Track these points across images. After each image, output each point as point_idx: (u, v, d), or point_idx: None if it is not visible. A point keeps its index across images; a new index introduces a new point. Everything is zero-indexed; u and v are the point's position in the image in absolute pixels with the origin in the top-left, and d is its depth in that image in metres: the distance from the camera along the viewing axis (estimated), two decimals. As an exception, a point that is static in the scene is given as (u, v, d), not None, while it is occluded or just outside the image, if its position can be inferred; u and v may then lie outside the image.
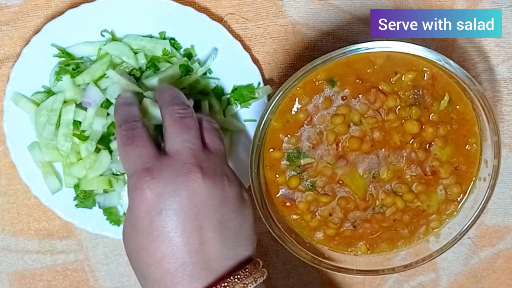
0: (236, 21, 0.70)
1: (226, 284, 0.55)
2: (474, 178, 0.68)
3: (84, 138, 0.67)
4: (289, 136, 0.66)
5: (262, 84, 0.69)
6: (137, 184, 0.55)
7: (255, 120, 0.70)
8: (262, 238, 0.75)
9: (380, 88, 0.65)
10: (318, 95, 0.64)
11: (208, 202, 0.55)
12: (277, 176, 0.67)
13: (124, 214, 0.70)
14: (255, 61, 0.70)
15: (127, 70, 0.68)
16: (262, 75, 0.70)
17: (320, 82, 0.64)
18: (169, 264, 0.55)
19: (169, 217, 0.54)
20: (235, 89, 0.69)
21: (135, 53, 0.68)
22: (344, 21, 0.71)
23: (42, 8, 0.70)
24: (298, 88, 0.64)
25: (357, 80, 0.65)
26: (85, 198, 0.69)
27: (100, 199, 0.69)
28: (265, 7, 0.70)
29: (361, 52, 0.61)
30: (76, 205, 0.70)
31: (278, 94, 0.62)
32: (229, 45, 0.68)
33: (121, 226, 0.70)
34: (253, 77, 0.69)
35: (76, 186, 0.69)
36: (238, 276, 0.56)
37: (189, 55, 0.69)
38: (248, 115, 0.70)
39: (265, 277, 0.58)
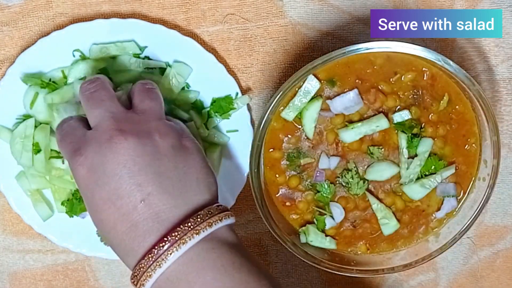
0: (236, 21, 0.71)
1: (176, 233, 0.54)
2: (473, 178, 0.68)
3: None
4: (289, 136, 0.66)
5: (240, 94, 0.70)
6: (72, 166, 0.57)
7: (237, 131, 0.70)
8: (262, 238, 0.75)
9: (380, 88, 0.65)
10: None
11: (138, 159, 0.56)
12: (277, 176, 0.67)
13: None
14: (231, 72, 0.70)
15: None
16: (239, 84, 0.70)
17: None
18: (122, 226, 0.56)
19: (105, 184, 0.56)
20: (214, 101, 0.70)
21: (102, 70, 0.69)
22: (344, 21, 0.71)
23: (42, 9, 0.70)
24: (297, 89, 0.64)
25: (357, 80, 0.65)
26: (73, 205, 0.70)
27: None
28: (265, 8, 0.71)
29: (361, 52, 0.62)
30: (66, 212, 0.70)
31: (278, 94, 0.62)
32: (203, 58, 0.68)
33: None
34: (230, 87, 0.69)
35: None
36: (189, 224, 0.55)
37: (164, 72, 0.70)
38: (229, 126, 0.70)
39: (226, 222, 0.57)
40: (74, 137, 0.59)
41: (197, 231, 0.55)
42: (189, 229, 0.55)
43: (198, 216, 0.56)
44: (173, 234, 0.54)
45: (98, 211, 0.57)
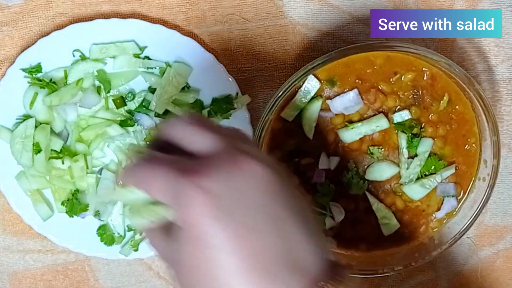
0: (236, 21, 0.71)
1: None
2: (473, 178, 0.68)
3: (72, 154, 0.69)
4: (289, 136, 0.66)
5: (240, 94, 0.70)
6: (182, 189, 0.43)
7: None
8: (262, 238, 0.75)
9: (380, 88, 0.65)
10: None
11: (271, 188, 0.44)
12: (277, 176, 0.67)
13: (119, 234, 0.71)
14: (231, 72, 0.70)
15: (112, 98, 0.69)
16: (239, 84, 0.70)
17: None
18: (250, 274, 0.42)
19: (234, 215, 0.43)
20: (214, 101, 0.70)
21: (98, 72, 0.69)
22: (344, 22, 0.71)
23: (42, 9, 0.70)
24: (297, 89, 0.64)
25: (357, 80, 0.65)
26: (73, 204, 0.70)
27: (99, 207, 0.70)
28: (265, 8, 0.71)
29: (361, 52, 0.62)
30: (66, 212, 0.70)
31: (278, 94, 0.62)
32: (203, 58, 0.68)
33: (115, 245, 0.71)
34: (230, 87, 0.69)
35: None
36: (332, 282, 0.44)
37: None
38: (229, 126, 0.70)
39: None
40: (173, 162, 0.45)
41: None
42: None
43: (337, 274, 0.45)
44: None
45: (222, 250, 0.43)
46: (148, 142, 0.52)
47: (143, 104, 0.69)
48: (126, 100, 0.69)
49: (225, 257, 0.42)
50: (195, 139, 0.46)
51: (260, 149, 0.51)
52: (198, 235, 0.42)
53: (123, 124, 0.69)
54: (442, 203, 0.68)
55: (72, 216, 0.70)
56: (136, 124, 0.69)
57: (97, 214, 0.70)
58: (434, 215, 0.69)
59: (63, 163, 0.69)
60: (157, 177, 0.44)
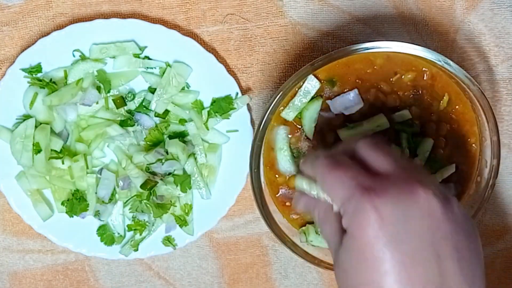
0: (236, 21, 0.71)
1: None
2: (473, 178, 0.68)
3: (72, 154, 0.69)
4: (289, 136, 0.66)
5: (240, 94, 0.70)
6: (359, 206, 0.47)
7: (237, 131, 0.70)
8: (262, 238, 0.75)
9: (380, 88, 0.65)
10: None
11: (442, 224, 0.47)
12: (277, 176, 0.67)
13: (119, 234, 0.71)
14: (231, 72, 0.70)
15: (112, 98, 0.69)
16: (239, 84, 0.71)
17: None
18: None
19: (404, 242, 0.46)
20: (214, 101, 0.70)
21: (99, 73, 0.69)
22: (344, 21, 0.71)
23: (42, 9, 0.70)
24: (297, 89, 0.64)
25: (357, 80, 0.65)
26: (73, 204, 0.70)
27: (99, 207, 0.70)
28: (265, 8, 0.71)
29: (361, 52, 0.62)
30: (66, 212, 0.70)
31: (278, 94, 0.62)
32: (203, 58, 0.68)
33: (114, 245, 0.71)
34: (230, 87, 0.69)
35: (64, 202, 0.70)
36: None
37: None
38: (229, 126, 0.71)
39: None
40: (357, 172, 0.50)
41: None
42: None
43: None
44: None
45: (380, 272, 0.46)
46: (337, 148, 0.56)
47: (143, 104, 0.69)
48: (126, 100, 0.69)
49: (385, 282, 0.45)
50: (376, 161, 0.50)
51: (435, 181, 0.53)
52: (362, 251, 0.47)
53: (123, 124, 0.69)
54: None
55: (72, 216, 0.70)
56: (136, 124, 0.69)
57: (97, 214, 0.70)
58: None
59: (63, 163, 0.69)
60: (340, 181, 0.49)
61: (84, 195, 0.70)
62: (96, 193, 0.69)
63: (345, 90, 0.65)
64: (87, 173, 0.70)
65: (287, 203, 0.67)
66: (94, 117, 0.69)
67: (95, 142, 0.69)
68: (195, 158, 0.70)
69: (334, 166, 0.50)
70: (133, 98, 0.69)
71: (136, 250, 0.71)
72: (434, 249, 0.46)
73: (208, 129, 0.70)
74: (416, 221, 0.46)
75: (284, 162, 0.66)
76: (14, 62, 0.68)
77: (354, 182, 0.48)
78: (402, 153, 0.55)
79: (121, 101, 0.69)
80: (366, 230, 0.46)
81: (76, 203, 0.69)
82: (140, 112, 0.69)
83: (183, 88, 0.69)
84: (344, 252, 0.49)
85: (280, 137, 0.65)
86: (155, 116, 0.69)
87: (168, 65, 0.69)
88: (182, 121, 0.70)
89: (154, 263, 0.75)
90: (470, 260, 0.47)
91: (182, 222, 0.70)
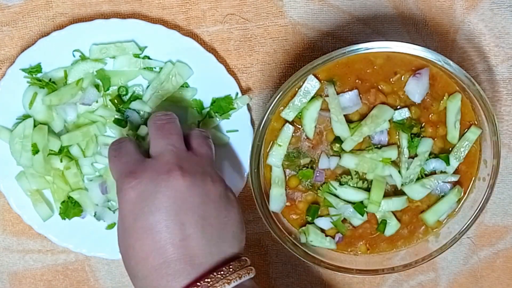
0: (236, 21, 0.71)
1: (209, 279, 0.55)
2: (473, 178, 0.68)
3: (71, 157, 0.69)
4: (292, 135, 0.66)
5: (240, 94, 0.70)
6: (122, 186, 0.58)
7: (237, 131, 0.70)
8: (262, 238, 0.75)
9: (380, 88, 0.65)
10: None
11: (189, 199, 0.57)
12: (277, 176, 0.67)
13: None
14: (231, 72, 0.70)
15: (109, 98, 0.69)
16: (239, 84, 0.70)
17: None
18: (154, 260, 0.56)
19: (151, 213, 0.56)
20: (214, 102, 0.70)
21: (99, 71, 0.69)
22: (343, 21, 0.71)
23: (42, 9, 0.70)
24: (297, 89, 0.64)
25: (357, 80, 0.65)
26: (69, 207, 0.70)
27: (97, 209, 0.70)
28: (265, 8, 0.71)
29: (361, 52, 0.62)
30: (59, 213, 0.70)
31: (278, 94, 0.62)
32: (203, 58, 0.68)
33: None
34: (230, 87, 0.69)
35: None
36: (222, 272, 0.56)
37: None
38: (229, 126, 0.71)
39: (251, 275, 0.59)
40: (130, 158, 0.60)
41: (228, 281, 0.56)
42: (221, 277, 0.56)
43: (230, 267, 0.57)
44: (206, 280, 0.55)
45: (134, 238, 0.57)
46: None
47: (135, 94, 0.69)
48: (122, 95, 0.69)
49: (136, 245, 0.57)
50: (156, 142, 0.61)
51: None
52: (124, 222, 0.58)
53: (116, 122, 0.69)
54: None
55: (65, 219, 0.70)
56: (127, 120, 0.69)
57: (96, 215, 0.70)
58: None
59: (61, 161, 0.69)
60: (114, 167, 0.61)
61: (78, 199, 0.70)
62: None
63: (345, 90, 0.65)
64: (82, 179, 0.70)
65: (287, 203, 0.67)
66: (92, 114, 0.69)
67: (88, 147, 0.69)
68: None
69: (114, 152, 0.61)
70: (126, 93, 0.69)
71: None
72: (179, 218, 0.56)
73: (199, 127, 0.70)
74: (164, 196, 0.56)
75: (276, 157, 0.65)
76: (14, 62, 0.68)
77: (124, 166, 0.59)
78: (197, 133, 0.64)
79: (118, 100, 0.69)
80: (124, 205, 0.57)
81: (70, 206, 0.70)
82: (130, 108, 0.69)
83: (181, 86, 0.69)
84: (117, 224, 0.59)
85: (285, 134, 0.65)
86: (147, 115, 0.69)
87: (172, 62, 0.69)
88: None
89: (154, 263, 0.75)
90: (218, 226, 0.58)
91: None
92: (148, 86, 0.69)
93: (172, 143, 0.60)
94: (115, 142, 0.63)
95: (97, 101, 0.69)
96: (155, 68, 0.69)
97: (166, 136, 0.60)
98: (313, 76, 0.63)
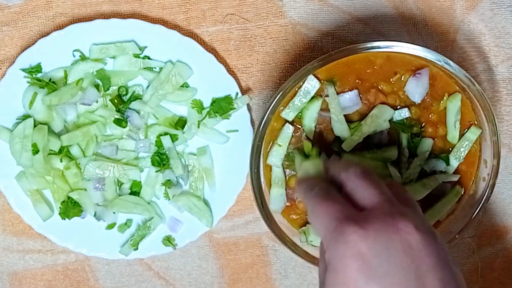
0: (236, 21, 0.71)
1: None
2: (473, 178, 0.68)
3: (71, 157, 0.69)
4: (292, 135, 0.66)
5: (240, 94, 0.70)
6: (343, 238, 0.47)
7: (237, 131, 0.70)
8: (262, 238, 0.75)
9: (380, 88, 0.65)
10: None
11: (426, 258, 0.47)
12: (277, 176, 0.67)
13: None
14: (231, 72, 0.70)
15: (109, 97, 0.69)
16: (239, 84, 0.71)
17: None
18: None
19: (388, 275, 0.46)
20: (214, 102, 0.70)
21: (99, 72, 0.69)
22: (344, 21, 0.71)
23: (42, 9, 0.70)
24: (297, 89, 0.64)
25: (357, 80, 0.65)
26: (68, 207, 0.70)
27: (97, 209, 0.70)
28: (265, 8, 0.71)
29: (361, 52, 0.62)
30: (59, 213, 0.70)
31: (278, 94, 0.62)
32: (203, 58, 0.68)
33: (114, 245, 0.72)
34: (230, 87, 0.69)
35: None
36: None
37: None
38: (229, 126, 0.71)
39: None
40: (344, 205, 0.50)
41: None
42: None
43: None
44: None
45: None
46: (326, 164, 0.57)
47: (135, 94, 0.69)
48: (122, 95, 0.69)
49: None
50: (363, 193, 0.50)
51: (417, 212, 0.52)
52: (346, 285, 0.46)
53: (116, 122, 0.69)
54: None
55: (65, 219, 0.70)
56: (128, 121, 0.69)
57: (96, 215, 0.70)
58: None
59: (61, 161, 0.69)
60: (326, 213, 0.49)
61: (78, 200, 0.70)
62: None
63: (345, 90, 0.65)
64: (82, 178, 0.70)
65: (287, 203, 0.67)
66: (92, 114, 0.69)
67: (88, 147, 0.69)
68: (187, 169, 0.71)
69: (323, 198, 0.51)
70: (127, 93, 0.69)
71: (136, 249, 0.71)
72: (420, 282, 0.46)
73: (198, 127, 0.70)
74: (399, 254, 0.46)
75: (275, 157, 0.65)
76: (14, 62, 0.68)
77: (339, 214, 0.48)
78: (393, 182, 0.56)
79: (118, 100, 0.69)
80: (348, 262, 0.46)
81: (70, 206, 0.70)
82: (130, 108, 0.69)
83: (181, 86, 0.69)
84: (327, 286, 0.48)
85: (285, 134, 0.65)
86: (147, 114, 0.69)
87: (172, 62, 0.69)
88: (171, 125, 0.70)
89: (154, 263, 0.75)
90: None
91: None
92: (148, 86, 0.69)
93: (383, 191, 0.50)
94: (316, 188, 0.53)
95: (97, 101, 0.69)
96: (155, 68, 0.69)
97: (376, 184, 0.51)
98: (313, 76, 0.63)
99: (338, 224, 0.48)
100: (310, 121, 0.65)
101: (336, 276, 0.47)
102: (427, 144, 0.65)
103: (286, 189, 0.67)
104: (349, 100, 0.64)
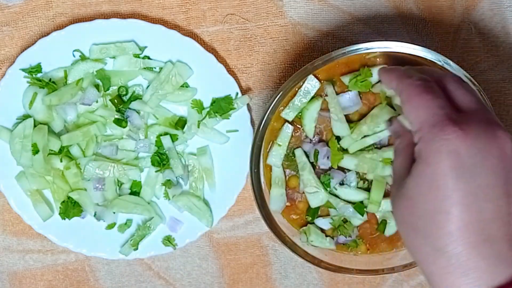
0: (236, 21, 0.71)
1: None
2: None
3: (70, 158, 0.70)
4: (291, 134, 0.66)
5: (240, 94, 0.70)
6: (443, 134, 0.47)
7: (237, 131, 0.70)
8: (262, 238, 0.75)
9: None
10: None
11: None
12: (277, 176, 0.67)
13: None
14: (231, 72, 0.70)
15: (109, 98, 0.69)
16: (239, 84, 0.71)
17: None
18: (474, 234, 0.45)
19: (479, 176, 0.46)
20: (214, 102, 0.70)
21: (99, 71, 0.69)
22: (344, 22, 0.71)
23: (42, 9, 0.70)
24: (297, 89, 0.64)
25: (357, 80, 0.65)
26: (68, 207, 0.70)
27: (97, 209, 0.70)
28: (265, 8, 0.71)
29: (361, 52, 0.62)
30: (59, 213, 0.70)
31: (278, 94, 0.62)
32: (203, 58, 0.68)
33: (114, 245, 0.71)
34: (230, 87, 0.69)
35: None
36: None
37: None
38: (229, 126, 0.71)
39: None
40: (445, 103, 0.49)
41: None
42: None
43: None
44: None
45: (451, 201, 0.46)
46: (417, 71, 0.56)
47: (135, 94, 0.69)
48: (122, 95, 0.69)
49: (455, 212, 0.46)
50: (463, 97, 0.51)
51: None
52: (435, 178, 0.47)
53: (116, 122, 0.69)
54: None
55: (65, 219, 0.70)
56: (128, 121, 0.69)
57: (96, 215, 0.70)
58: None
59: (61, 161, 0.69)
60: (427, 106, 0.49)
61: (78, 199, 0.70)
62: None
63: (345, 90, 0.65)
64: (82, 178, 0.70)
65: (287, 203, 0.67)
66: (92, 114, 0.69)
67: (88, 147, 0.69)
68: (187, 169, 0.71)
69: (424, 89, 0.50)
70: (127, 93, 0.69)
71: (136, 249, 0.71)
72: (507, 188, 0.46)
73: (198, 127, 0.70)
74: (494, 159, 0.47)
75: (275, 157, 0.65)
76: (14, 62, 0.68)
77: (441, 110, 0.48)
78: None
79: (118, 100, 0.69)
80: (443, 158, 0.46)
81: (70, 206, 0.70)
82: (130, 108, 0.69)
83: (181, 86, 0.69)
84: (413, 179, 0.48)
85: (285, 134, 0.65)
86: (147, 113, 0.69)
87: (172, 62, 0.69)
88: (171, 125, 0.70)
89: (154, 263, 0.75)
90: None
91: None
92: (148, 86, 0.69)
93: (477, 99, 0.52)
94: (422, 78, 0.52)
95: (97, 101, 0.69)
96: (155, 68, 0.69)
97: (470, 89, 0.52)
98: (313, 76, 0.63)
99: (439, 120, 0.48)
100: (310, 121, 0.65)
101: (426, 168, 0.47)
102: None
103: (286, 189, 0.67)
104: (349, 100, 0.64)
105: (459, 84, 0.52)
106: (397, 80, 0.53)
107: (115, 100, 0.68)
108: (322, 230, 0.68)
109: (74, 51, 0.68)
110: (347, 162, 0.65)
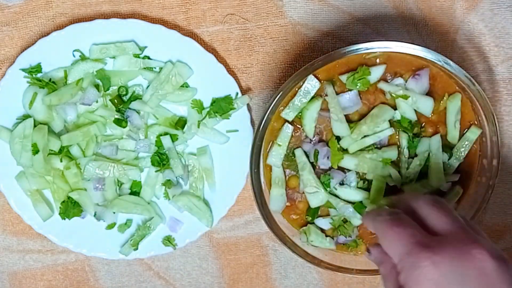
0: (236, 21, 0.71)
1: None
2: (473, 178, 0.68)
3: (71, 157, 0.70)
4: (291, 135, 0.66)
5: (240, 94, 0.70)
6: (417, 262, 0.48)
7: (237, 131, 0.70)
8: (262, 238, 0.75)
9: (380, 88, 0.65)
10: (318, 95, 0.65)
11: (499, 285, 0.48)
12: (277, 176, 0.67)
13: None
14: (231, 72, 0.70)
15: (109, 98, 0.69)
16: (239, 84, 0.70)
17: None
18: None
19: None
20: (214, 102, 0.70)
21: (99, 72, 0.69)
22: (343, 22, 0.71)
23: (42, 9, 0.70)
24: (297, 89, 0.64)
25: (357, 80, 0.65)
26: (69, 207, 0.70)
27: (97, 209, 0.70)
28: (265, 8, 0.71)
29: (361, 52, 0.62)
30: (59, 213, 0.70)
31: (278, 94, 0.62)
32: (203, 58, 0.68)
33: (114, 245, 0.71)
34: (230, 87, 0.69)
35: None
36: None
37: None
38: (229, 126, 0.71)
39: None
40: (417, 230, 0.51)
41: None
42: None
43: None
44: None
45: None
46: (392, 201, 0.59)
47: (135, 94, 0.69)
48: (122, 95, 0.69)
49: None
50: (436, 220, 0.52)
51: (484, 238, 0.53)
52: None
53: (116, 122, 0.69)
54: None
55: (65, 219, 0.70)
56: (128, 121, 0.69)
57: (96, 215, 0.70)
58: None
59: (61, 161, 0.69)
60: (398, 238, 0.50)
61: (78, 199, 0.70)
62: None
63: (345, 90, 0.65)
64: (82, 178, 0.70)
65: (287, 203, 0.67)
66: (92, 114, 0.69)
67: (88, 147, 0.69)
68: (187, 169, 0.71)
69: (394, 222, 0.52)
70: (127, 93, 0.69)
71: (136, 249, 0.71)
72: None
73: (198, 127, 0.70)
74: (474, 281, 0.47)
75: (275, 157, 0.65)
76: (14, 62, 0.68)
77: (412, 239, 0.50)
78: (459, 212, 0.57)
79: (118, 100, 0.69)
80: (423, 286, 0.48)
81: (70, 206, 0.70)
82: (130, 108, 0.69)
83: (181, 86, 0.69)
84: None
85: (285, 134, 0.65)
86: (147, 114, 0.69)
87: (172, 62, 0.69)
88: (171, 125, 0.70)
89: (154, 263, 0.75)
90: None
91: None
92: (148, 86, 0.69)
93: (456, 218, 0.52)
94: (389, 212, 0.54)
95: (97, 101, 0.69)
96: (155, 68, 0.69)
97: (448, 211, 0.52)
98: (313, 76, 0.63)
99: (411, 248, 0.49)
100: (310, 121, 0.65)
101: None
102: (427, 144, 0.65)
103: (286, 189, 0.67)
104: (349, 100, 0.64)
105: (431, 207, 0.53)
106: (371, 222, 0.55)
107: (115, 100, 0.68)
108: (322, 230, 0.68)
109: (74, 51, 0.68)
110: (347, 162, 0.65)
